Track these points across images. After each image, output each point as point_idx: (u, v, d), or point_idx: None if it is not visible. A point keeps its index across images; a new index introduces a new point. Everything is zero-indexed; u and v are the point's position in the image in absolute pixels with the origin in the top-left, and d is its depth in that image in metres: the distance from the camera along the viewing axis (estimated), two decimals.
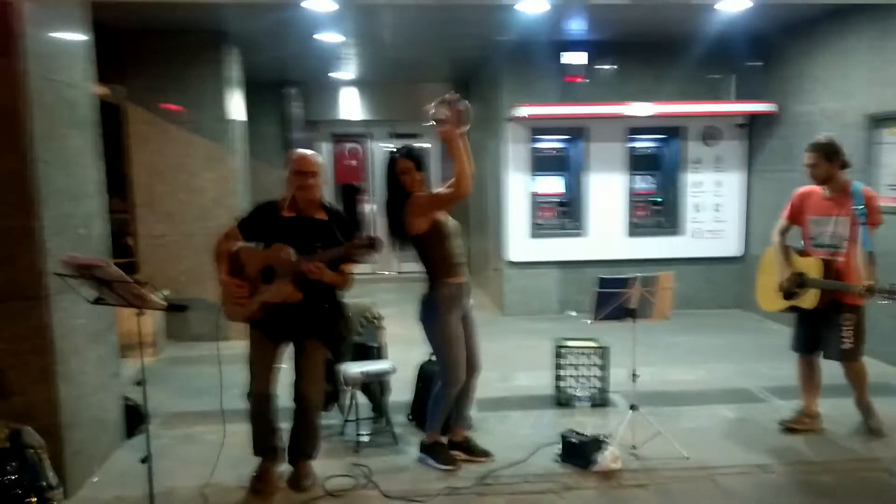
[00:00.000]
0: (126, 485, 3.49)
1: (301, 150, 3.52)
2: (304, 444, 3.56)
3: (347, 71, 9.10)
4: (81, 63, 3.76)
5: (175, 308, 3.22)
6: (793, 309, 4.04)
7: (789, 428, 4.11)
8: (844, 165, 3.86)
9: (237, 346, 3.72)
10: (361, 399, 4.20)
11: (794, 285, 3.95)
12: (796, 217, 4.08)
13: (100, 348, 3.78)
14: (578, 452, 3.71)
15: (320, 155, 3.53)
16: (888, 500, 3.39)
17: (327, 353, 3.63)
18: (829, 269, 3.85)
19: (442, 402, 3.67)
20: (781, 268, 4.02)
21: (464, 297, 3.62)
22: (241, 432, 3.91)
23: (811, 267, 3.90)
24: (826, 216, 3.92)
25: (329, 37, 6.71)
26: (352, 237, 3.35)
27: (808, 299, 3.91)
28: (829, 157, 3.83)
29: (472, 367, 3.74)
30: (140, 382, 3.10)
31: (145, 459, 3.08)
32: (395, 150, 3.63)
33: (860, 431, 4.11)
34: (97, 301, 3.05)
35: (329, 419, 4.30)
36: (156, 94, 6.32)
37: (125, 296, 2.93)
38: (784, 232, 4.11)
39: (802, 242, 4.08)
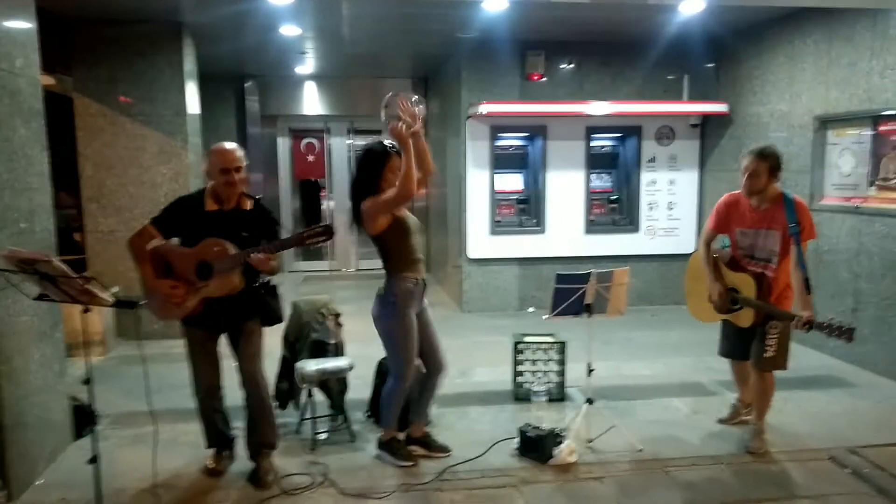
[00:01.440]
0: (73, 487, 3.39)
1: (223, 144, 3.33)
2: (263, 432, 3.50)
3: (306, 65, 8.99)
4: (26, 51, 3.62)
5: (124, 304, 3.10)
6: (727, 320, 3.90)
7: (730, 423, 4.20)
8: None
9: None
10: (319, 396, 4.15)
11: (729, 302, 3.77)
12: (722, 227, 3.89)
13: (45, 347, 3.66)
14: (536, 446, 3.75)
15: (241, 147, 3.35)
16: (833, 485, 3.51)
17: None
18: (762, 285, 3.64)
19: (394, 398, 3.66)
20: (710, 281, 3.83)
21: (421, 293, 3.61)
22: (191, 431, 3.83)
23: (744, 284, 3.69)
24: (755, 229, 3.70)
25: (288, 30, 6.61)
26: (275, 226, 3.35)
27: (745, 318, 3.72)
28: (773, 171, 3.58)
29: (436, 366, 3.73)
30: (87, 381, 3.01)
31: (92, 460, 2.99)
32: (382, 143, 3.46)
33: (805, 420, 4.26)
34: (40, 297, 2.94)
35: (286, 417, 4.25)
36: (106, 84, 6.12)
37: (70, 292, 2.84)
38: (710, 241, 3.93)
39: (729, 248, 3.89)
